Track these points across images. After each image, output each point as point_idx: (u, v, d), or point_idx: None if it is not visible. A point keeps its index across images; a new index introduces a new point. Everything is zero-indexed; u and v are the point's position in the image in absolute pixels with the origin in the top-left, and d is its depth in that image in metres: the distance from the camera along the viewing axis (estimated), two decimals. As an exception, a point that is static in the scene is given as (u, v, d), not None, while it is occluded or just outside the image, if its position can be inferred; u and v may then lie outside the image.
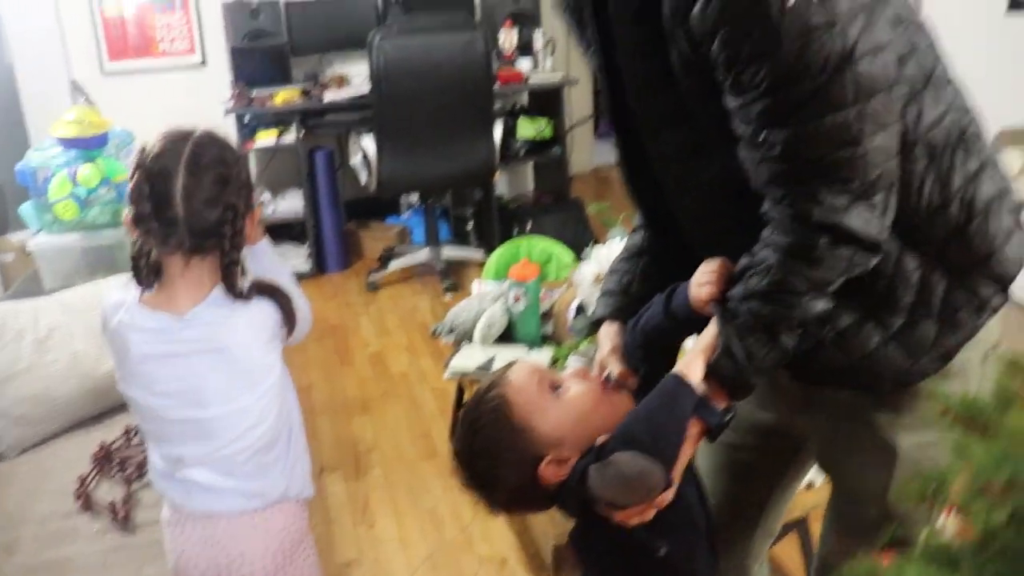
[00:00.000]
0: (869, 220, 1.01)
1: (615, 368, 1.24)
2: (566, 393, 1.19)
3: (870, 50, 0.95)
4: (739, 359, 1.07)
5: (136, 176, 1.38)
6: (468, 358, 3.15)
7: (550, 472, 1.15)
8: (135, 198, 1.38)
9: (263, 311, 1.46)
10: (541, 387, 1.18)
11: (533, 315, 2.95)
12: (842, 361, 1.16)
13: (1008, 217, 1.13)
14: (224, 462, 1.47)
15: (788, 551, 2.17)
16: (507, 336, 3.18)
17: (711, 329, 1.10)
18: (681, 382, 1.08)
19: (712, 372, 1.08)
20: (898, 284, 1.11)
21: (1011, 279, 1.14)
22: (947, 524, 0.70)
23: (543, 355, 3.06)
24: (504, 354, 3.07)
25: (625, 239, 1.45)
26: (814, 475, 1.79)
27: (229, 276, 1.42)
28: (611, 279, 1.39)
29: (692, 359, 1.10)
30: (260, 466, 1.50)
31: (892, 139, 1.00)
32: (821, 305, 1.06)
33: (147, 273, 1.41)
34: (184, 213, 1.36)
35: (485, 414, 1.18)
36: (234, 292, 1.42)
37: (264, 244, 1.59)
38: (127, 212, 1.40)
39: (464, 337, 3.14)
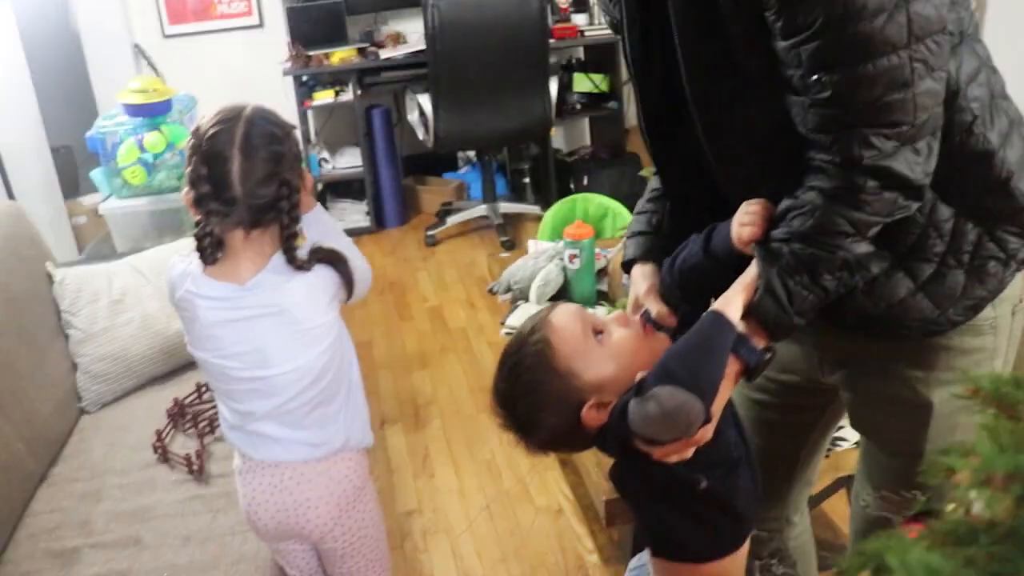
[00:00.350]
0: (915, 164, 1.02)
1: (653, 307, 1.24)
2: (609, 338, 1.19)
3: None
4: (781, 300, 1.08)
5: (193, 159, 1.45)
6: (525, 316, 3.21)
7: (592, 416, 1.16)
8: (194, 180, 1.45)
9: (321, 276, 1.53)
10: (584, 332, 1.18)
11: (588, 274, 2.99)
12: (871, 309, 1.17)
13: None
14: (289, 415, 1.56)
15: (837, 506, 2.21)
16: (562, 294, 3.24)
17: (752, 269, 1.11)
18: (721, 318, 1.08)
19: (753, 312, 1.09)
20: (930, 233, 1.13)
21: None
22: (976, 497, 0.73)
23: (598, 313, 3.10)
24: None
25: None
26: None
27: (289, 248, 1.49)
28: (639, 220, 1.40)
29: (731, 297, 1.10)
30: (322, 418, 1.59)
31: (940, 83, 1.00)
32: (863, 248, 1.07)
33: (211, 250, 1.49)
34: (242, 193, 1.43)
35: (528, 357, 1.18)
36: (294, 263, 1.49)
37: (317, 211, 1.65)
38: (187, 193, 1.47)
39: (520, 296, 3.19)
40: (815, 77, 0.99)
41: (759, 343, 1.11)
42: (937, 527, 0.78)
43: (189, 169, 1.46)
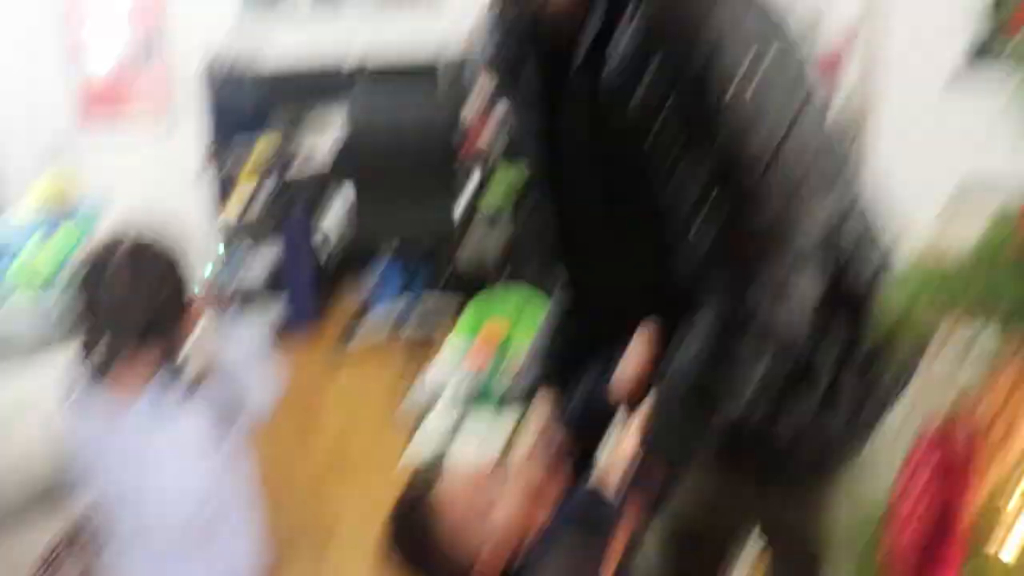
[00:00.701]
0: (792, 315, 1.05)
1: (556, 437, 1.26)
2: (499, 511, 1.18)
3: (798, 149, 0.99)
4: (669, 445, 1.10)
5: (73, 289, 1.44)
6: (437, 425, 3.18)
7: None
8: (73, 309, 1.44)
9: (190, 424, 1.48)
10: (475, 500, 1.19)
11: (499, 378, 3.00)
12: (759, 454, 1.20)
13: None
14: (164, 550, 1.51)
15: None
16: (476, 398, 3.22)
17: (644, 409, 1.12)
18: (595, 502, 1.11)
19: (648, 450, 1.10)
20: (814, 375, 1.14)
21: (915, 368, 1.19)
22: None
23: (510, 416, 3.09)
24: (471, 417, 3.11)
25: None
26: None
27: (163, 382, 1.46)
28: (539, 341, 1.41)
29: (608, 467, 1.13)
30: (201, 549, 1.53)
31: (814, 237, 1.04)
32: (744, 396, 1.09)
33: (91, 376, 1.46)
34: (116, 324, 1.42)
35: (416, 518, 1.19)
36: (166, 398, 1.46)
37: (228, 324, 1.64)
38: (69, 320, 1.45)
39: (432, 401, 3.18)
40: (695, 228, 1.03)
41: (657, 477, 1.12)
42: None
43: (70, 297, 1.44)
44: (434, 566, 1.18)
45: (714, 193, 1.00)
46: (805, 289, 1.05)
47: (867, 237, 1.17)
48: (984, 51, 3.15)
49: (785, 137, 0.98)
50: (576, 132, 1.13)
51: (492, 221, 4.98)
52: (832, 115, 1.15)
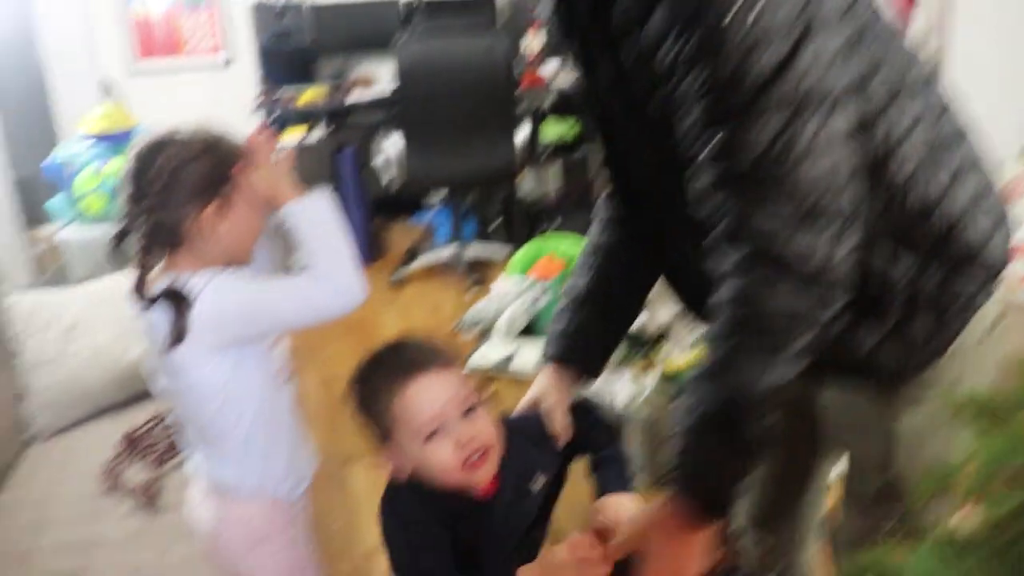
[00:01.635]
0: (811, 247, 0.98)
1: (557, 421, 1.36)
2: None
3: (805, 69, 0.93)
4: (704, 476, 1.09)
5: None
6: (489, 353, 3.16)
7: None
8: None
9: (160, 318, 1.40)
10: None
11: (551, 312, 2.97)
12: (838, 362, 1.16)
13: (985, 219, 1.12)
14: (210, 446, 1.51)
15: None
16: (530, 330, 3.20)
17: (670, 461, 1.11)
18: None
19: (683, 495, 1.09)
20: (891, 284, 1.10)
21: (997, 273, 1.14)
22: (963, 518, 0.70)
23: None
24: (526, 347, 3.09)
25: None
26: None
27: (140, 280, 1.41)
28: (559, 320, 1.41)
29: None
30: (239, 456, 1.50)
31: (834, 162, 0.97)
32: (779, 373, 1.03)
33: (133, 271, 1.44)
34: (128, 214, 1.41)
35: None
36: (140, 296, 1.41)
37: (294, 206, 1.50)
38: None
39: (487, 331, 3.16)
40: (700, 142, 0.99)
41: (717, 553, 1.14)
42: (929, 543, 0.74)
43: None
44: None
45: (715, 107, 0.96)
46: (838, 219, 0.98)
47: (942, 142, 1.10)
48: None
49: (790, 55, 0.92)
50: (610, 81, 1.14)
51: (551, 157, 4.96)
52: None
